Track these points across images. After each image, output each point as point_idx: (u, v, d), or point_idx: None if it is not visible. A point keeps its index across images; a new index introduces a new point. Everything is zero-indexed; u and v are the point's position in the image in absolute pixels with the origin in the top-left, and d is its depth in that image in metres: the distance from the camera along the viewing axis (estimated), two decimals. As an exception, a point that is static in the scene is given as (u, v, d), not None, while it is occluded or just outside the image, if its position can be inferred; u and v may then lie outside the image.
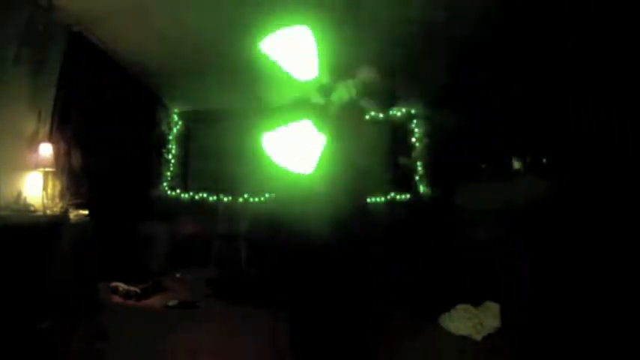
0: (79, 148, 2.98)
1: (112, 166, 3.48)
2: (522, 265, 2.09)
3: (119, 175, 3.60)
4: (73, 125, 2.94)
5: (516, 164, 2.69)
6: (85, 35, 3.03)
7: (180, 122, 4.92)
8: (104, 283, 2.88)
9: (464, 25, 2.84)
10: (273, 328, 2.12)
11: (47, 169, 2.61)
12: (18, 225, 2.15)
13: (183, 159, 4.92)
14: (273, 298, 2.41)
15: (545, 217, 2.01)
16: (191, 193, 4.74)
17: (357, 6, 2.58)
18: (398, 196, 4.58)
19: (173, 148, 4.83)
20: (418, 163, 4.67)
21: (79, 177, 2.93)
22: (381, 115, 4.64)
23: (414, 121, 4.75)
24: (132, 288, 2.91)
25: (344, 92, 1.38)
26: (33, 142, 2.61)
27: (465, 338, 2.15)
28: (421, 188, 4.61)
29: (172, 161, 4.80)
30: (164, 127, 4.75)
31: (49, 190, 2.66)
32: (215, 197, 4.67)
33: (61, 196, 2.70)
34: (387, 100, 1.74)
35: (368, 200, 4.08)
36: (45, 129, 2.73)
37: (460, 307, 2.35)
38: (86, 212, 2.68)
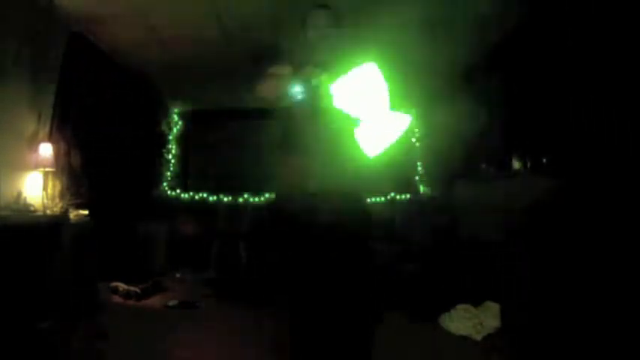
0: (79, 148, 2.98)
1: (112, 166, 3.48)
2: (522, 265, 2.09)
3: (119, 175, 3.60)
4: (73, 125, 2.94)
5: (516, 164, 2.69)
6: (85, 35, 3.03)
7: (180, 122, 4.93)
8: (104, 283, 2.88)
9: (464, 25, 2.84)
10: (273, 328, 2.12)
11: (47, 169, 2.61)
12: (18, 225, 2.15)
13: (183, 159, 4.92)
14: (273, 298, 2.41)
15: (545, 217, 2.01)
16: (191, 193, 4.74)
17: (357, 7, 2.58)
18: (398, 196, 4.58)
19: (173, 148, 4.83)
20: (418, 163, 4.68)
21: (79, 177, 2.93)
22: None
23: (414, 121, 4.75)
24: (132, 288, 2.92)
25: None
26: (33, 142, 2.61)
27: (465, 338, 2.15)
28: (421, 188, 4.61)
29: (172, 161, 4.81)
30: (164, 127, 4.75)
31: (49, 190, 2.66)
32: (215, 197, 4.67)
33: (61, 196, 2.70)
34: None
35: (368, 200, 4.08)
36: (45, 129, 2.73)
37: (460, 307, 2.35)
38: (86, 212, 2.68)
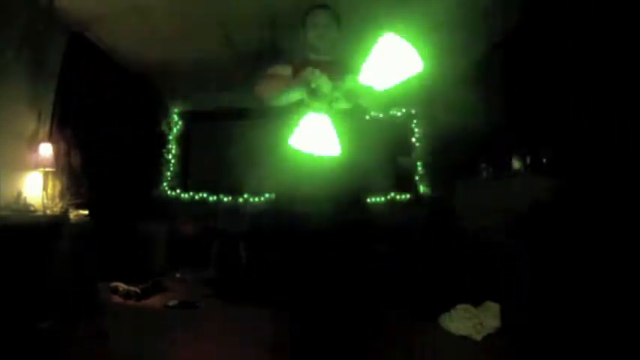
0: (79, 148, 2.98)
1: (112, 166, 3.48)
2: (522, 265, 2.09)
3: (119, 175, 3.60)
4: (73, 125, 2.94)
5: (516, 164, 2.69)
6: (85, 35, 3.03)
7: (180, 122, 4.93)
8: (104, 283, 2.88)
9: (464, 24, 2.84)
10: (273, 328, 2.12)
11: (47, 169, 2.61)
12: (18, 225, 2.15)
13: (183, 159, 4.92)
14: (273, 298, 2.41)
15: (545, 217, 2.01)
16: (191, 193, 4.74)
17: (356, 6, 2.58)
18: (398, 196, 4.58)
19: (173, 148, 4.83)
20: (418, 163, 4.67)
21: (79, 177, 2.93)
22: (381, 115, 4.64)
23: (414, 121, 4.75)
24: (132, 288, 2.91)
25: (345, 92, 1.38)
26: (33, 142, 2.61)
27: (465, 338, 2.15)
28: (421, 188, 4.61)
29: (172, 161, 4.81)
30: (164, 127, 4.75)
31: (49, 190, 2.66)
32: (215, 197, 4.67)
33: (61, 196, 2.70)
34: (387, 101, 1.75)
35: (367, 200, 4.08)
36: (45, 129, 2.73)
37: (460, 307, 2.35)
38: (86, 212, 2.68)
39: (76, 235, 2.48)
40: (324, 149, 1.21)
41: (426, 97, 4.32)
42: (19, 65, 2.48)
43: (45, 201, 2.59)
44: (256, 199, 4.63)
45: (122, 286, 2.94)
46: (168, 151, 4.78)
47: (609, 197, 1.82)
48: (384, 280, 2.73)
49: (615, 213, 1.74)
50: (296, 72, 1.53)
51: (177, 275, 3.80)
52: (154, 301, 2.92)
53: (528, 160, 2.61)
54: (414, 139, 4.73)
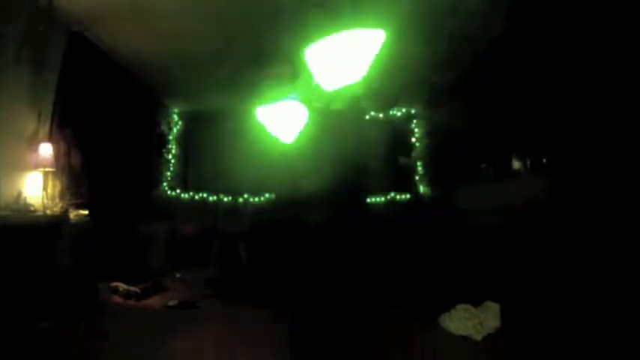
0: (79, 148, 2.98)
1: (112, 166, 3.48)
2: (522, 265, 2.09)
3: (119, 175, 3.60)
4: (73, 125, 2.94)
5: (516, 164, 2.69)
6: (85, 35, 3.03)
7: (180, 122, 4.93)
8: (104, 283, 2.88)
9: (464, 24, 2.84)
10: (273, 328, 2.12)
11: (47, 169, 2.61)
12: (18, 225, 2.15)
13: (184, 159, 4.93)
14: (273, 298, 2.41)
15: (545, 217, 2.01)
16: (191, 193, 4.75)
17: (356, 6, 2.58)
18: (398, 196, 4.58)
19: (173, 148, 4.83)
20: (418, 163, 4.68)
21: (79, 177, 2.93)
22: (381, 115, 4.65)
23: (414, 121, 4.76)
24: (132, 288, 2.92)
25: (344, 93, 1.38)
26: (33, 142, 2.61)
27: (465, 338, 2.15)
28: (421, 188, 4.61)
29: (172, 161, 4.81)
30: (164, 127, 4.75)
31: (49, 190, 2.66)
32: (215, 197, 4.68)
33: (61, 196, 2.70)
34: (387, 101, 1.75)
35: (367, 200, 4.09)
36: (45, 129, 2.73)
37: (460, 307, 2.35)
38: (86, 212, 2.68)
39: (76, 235, 2.48)
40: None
41: (425, 97, 4.32)
42: (19, 65, 2.48)
43: (45, 201, 2.59)
44: (256, 199, 4.63)
45: (122, 286, 2.94)
46: (168, 151, 4.79)
47: (609, 197, 1.82)
48: (384, 280, 2.73)
49: (614, 213, 1.74)
50: (295, 72, 1.53)
51: (177, 275, 3.81)
52: (154, 301, 2.92)
53: (528, 161, 2.61)
54: (413, 139, 4.74)
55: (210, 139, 4.92)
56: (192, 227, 4.46)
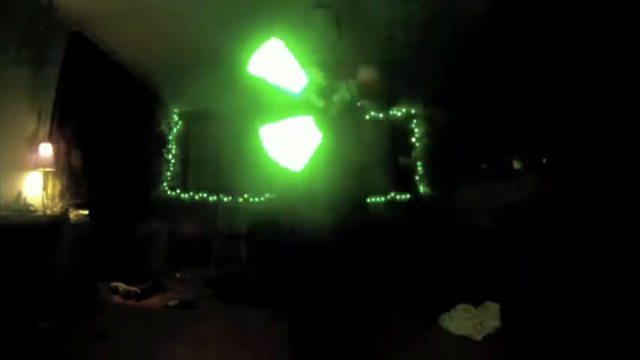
0: (79, 148, 2.98)
1: (112, 166, 3.48)
2: (522, 265, 2.09)
3: (119, 175, 3.60)
4: (73, 125, 2.94)
5: (516, 164, 2.69)
6: (85, 35, 3.03)
7: (180, 122, 4.93)
8: (104, 283, 2.88)
9: (464, 24, 2.84)
10: (273, 328, 2.12)
11: (47, 169, 2.61)
12: (18, 225, 2.15)
13: (184, 159, 4.92)
14: (273, 298, 2.40)
15: (545, 217, 2.01)
16: (191, 193, 4.74)
17: (356, 5, 2.58)
18: (398, 196, 4.58)
19: (173, 148, 4.83)
20: (418, 163, 4.67)
21: (79, 177, 2.93)
22: (381, 115, 4.64)
23: (414, 121, 4.75)
24: (132, 288, 2.91)
25: (344, 93, 1.38)
26: (33, 142, 2.61)
27: (465, 338, 2.15)
28: (421, 188, 4.61)
29: (172, 161, 4.80)
30: (164, 127, 4.75)
31: (49, 190, 2.66)
32: (215, 197, 4.67)
33: (61, 196, 2.70)
34: (386, 100, 1.75)
35: (367, 200, 4.08)
36: (45, 129, 2.73)
37: (460, 307, 2.35)
38: (86, 212, 2.68)
39: (76, 235, 2.48)
40: (290, 160, 1.18)
41: (426, 97, 4.32)
42: (19, 65, 2.48)
43: (45, 201, 2.59)
44: (256, 199, 4.63)
45: (122, 286, 2.94)
46: (168, 151, 4.78)
47: (608, 197, 1.82)
48: (384, 280, 2.73)
49: (614, 213, 1.74)
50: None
51: (177, 275, 3.80)
52: (154, 301, 2.92)
53: (528, 161, 2.61)
54: (413, 139, 4.74)
55: (210, 138, 4.91)
56: (192, 227, 4.46)
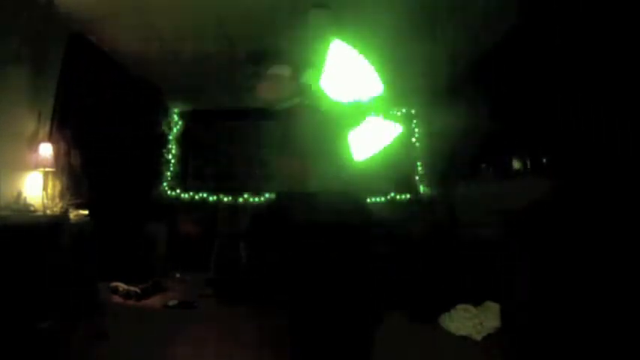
0: (79, 148, 2.98)
1: (112, 166, 3.48)
2: (522, 265, 2.09)
3: (119, 175, 3.60)
4: (73, 125, 2.94)
5: (516, 164, 2.69)
6: (85, 35, 3.03)
7: (180, 122, 4.93)
8: (104, 283, 2.88)
9: (464, 24, 2.84)
10: (273, 329, 2.12)
11: (47, 169, 2.61)
12: (18, 225, 2.15)
13: (184, 159, 4.92)
14: (273, 298, 2.41)
15: (545, 217, 2.01)
16: (191, 193, 4.74)
17: (356, 5, 2.58)
18: (398, 196, 4.58)
19: (173, 148, 4.83)
20: (418, 163, 4.68)
21: (79, 177, 2.93)
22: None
23: (414, 121, 4.75)
24: (132, 288, 2.92)
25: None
26: (33, 142, 2.61)
27: (465, 338, 2.15)
28: (421, 188, 4.61)
29: (172, 161, 4.81)
30: (164, 127, 4.75)
31: (49, 190, 2.66)
32: (215, 197, 4.67)
33: (61, 196, 2.70)
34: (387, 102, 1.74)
35: (368, 200, 4.08)
36: (45, 129, 2.73)
37: (460, 307, 2.35)
38: (86, 212, 2.68)
39: (76, 235, 2.48)
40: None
41: (426, 97, 4.32)
42: (19, 66, 2.48)
43: (45, 201, 2.59)
44: (256, 199, 4.63)
45: (122, 286, 2.94)
46: (169, 151, 4.79)
47: (608, 197, 1.82)
48: (384, 280, 2.73)
49: (614, 213, 1.74)
50: (296, 72, 1.52)
51: (177, 275, 3.81)
52: (154, 301, 2.92)
53: (528, 161, 2.61)
54: (413, 139, 4.74)
55: (210, 139, 4.92)
56: (192, 227, 4.46)
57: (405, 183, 4.63)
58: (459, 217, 3.33)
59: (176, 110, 4.90)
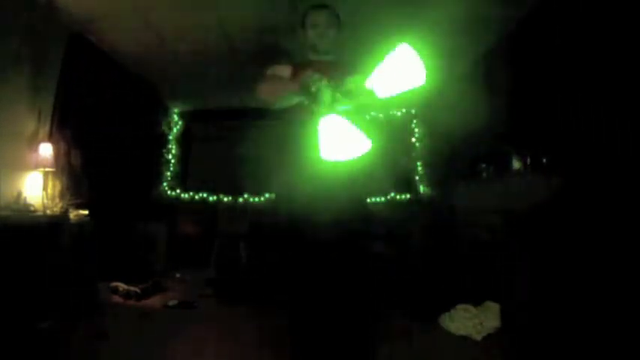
0: (79, 148, 2.99)
1: (112, 166, 3.48)
2: (522, 265, 2.09)
3: (119, 175, 3.60)
4: (73, 125, 2.94)
5: (516, 164, 2.69)
6: (85, 35, 3.03)
7: (180, 122, 4.93)
8: (104, 283, 2.88)
9: (464, 23, 2.84)
10: (273, 329, 2.12)
11: (47, 169, 2.61)
12: (18, 225, 2.15)
13: (183, 159, 4.93)
14: (273, 298, 2.41)
15: (545, 217, 2.01)
16: (191, 193, 4.75)
17: (356, 5, 2.58)
18: (398, 196, 4.58)
19: (173, 148, 4.83)
20: (418, 163, 4.68)
21: (79, 177, 2.93)
22: (381, 115, 4.65)
23: (414, 121, 4.75)
24: (132, 288, 2.91)
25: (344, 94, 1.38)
26: (33, 142, 2.61)
27: (465, 338, 2.15)
28: (421, 188, 4.61)
29: (172, 161, 4.81)
30: (164, 127, 4.75)
31: (49, 190, 2.66)
32: (215, 197, 4.68)
33: (61, 196, 2.70)
34: (386, 103, 1.74)
35: (368, 200, 4.08)
36: (45, 129, 2.73)
37: (460, 307, 2.35)
38: (86, 212, 2.68)
39: (76, 235, 2.48)
40: (352, 151, 1.17)
41: (426, 98, 4.32)
42: (19, 65, 2.48)
43: (45, 201, 2.59)
44: (256, 199, 4.63)
45: (122, 286, 2.94)
46: (169, 151, 4.79)
47: (608, 197, 1.82)
48: (384, 280, 2.73)
49: (614, 213, 1.74)
50: (296, 73, 1.52)
51: (177, 275, 3.81)
52: (154, 301, 2.92)
53: (528, 160, 2.61)
54: (413, 139, 4.74)
55: (210, 138, 4.92)
56: (192, 227, 4.46)
57: (405, 183, 4.63)
58: (458, 217, 3.33)
59: (176, 110, 4.90)
